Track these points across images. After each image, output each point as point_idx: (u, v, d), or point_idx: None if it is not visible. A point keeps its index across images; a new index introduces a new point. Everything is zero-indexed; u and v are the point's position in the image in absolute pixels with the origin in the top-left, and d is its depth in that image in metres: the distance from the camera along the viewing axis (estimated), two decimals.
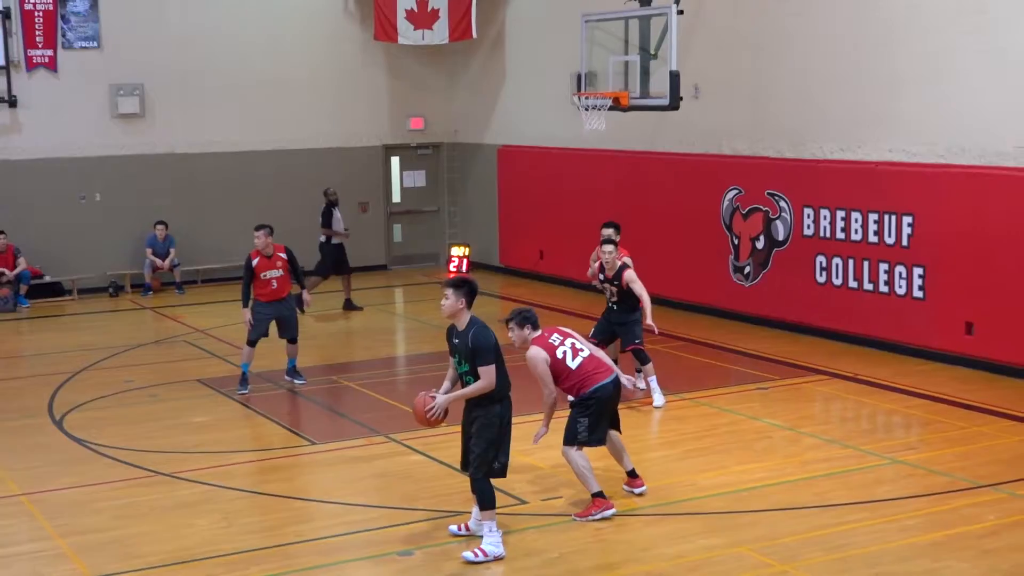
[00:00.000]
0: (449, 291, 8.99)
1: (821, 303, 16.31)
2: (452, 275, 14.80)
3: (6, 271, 20.27)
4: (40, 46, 20.93)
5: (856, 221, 15.72)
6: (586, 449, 9.81)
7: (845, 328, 16.06)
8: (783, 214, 16.79)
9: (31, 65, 20.94)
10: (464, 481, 9.42)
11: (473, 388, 8.93)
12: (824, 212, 16.18)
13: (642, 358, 13.25)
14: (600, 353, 10.07)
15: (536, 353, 9.65)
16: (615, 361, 12.30)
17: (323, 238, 19.54)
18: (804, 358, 15.36)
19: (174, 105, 21.90)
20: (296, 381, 14.52)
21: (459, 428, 9.29)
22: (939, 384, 13.89)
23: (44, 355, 16.81)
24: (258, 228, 14.25)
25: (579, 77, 17.20)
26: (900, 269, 15.22)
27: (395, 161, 24.28)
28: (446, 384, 9.28)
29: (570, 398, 9.91)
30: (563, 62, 19.83)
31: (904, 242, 15.15)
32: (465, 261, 22.77)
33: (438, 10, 22.15)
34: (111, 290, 21.50)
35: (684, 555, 8.99)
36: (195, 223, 22.07)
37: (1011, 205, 13.90)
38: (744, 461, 11.26)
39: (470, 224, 24.22)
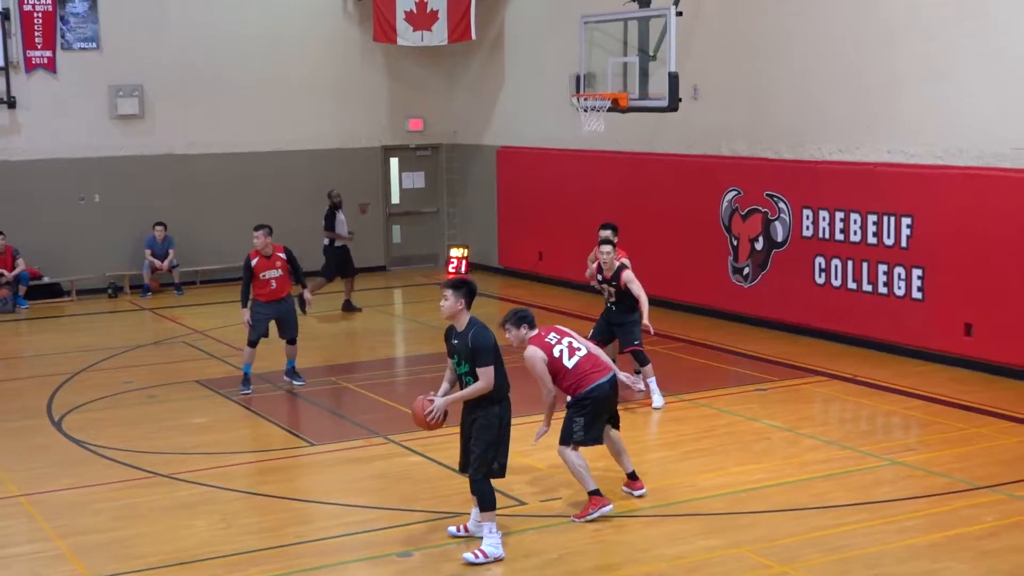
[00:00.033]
0: (448, 292, 8.99)
1: (820, 304, 16.31)
2: (451, 276, 14.78)
3: (5, 272, 20.25)
4: (39, 47, 20.92)
5: (855, 222, 15.73)
6: (584, 448, 9.81)
7: (844, 329, 16.06)
8: (782, 215, 16.79)
9: (30, 66, 20.93)
10: (463, 482, 9.41)
11: (472, 389, 8.93)
12: (823, 213, 16.19)
13: (641, 359, 13.24)
14: (598, 351, 10.06)
15: (533, 352, 9.65)
16: (613, 361, 12.28)
17: (327, 241, 19.50)
18: (803, 359, 15.36)
19: (173, 106, 21.89)
20: (295, 382, 14.51)
21: (458, 430, 9.28)
22: (938, 385, 13.89)
23: (43, 356, 16.80)
24: (257, 228, 14.25)
25: (578, 78, 17.19)
26: (899, 270, 15.22)
27: (394, 162, 24.28)
28: (444, 385, 9.27)
29: (567, 398, 9.91)
30: (562, 63, 19.83)
31: (903, 243, 15.15)
32: (464, 262, 22.74)
33: (437, 11, 22.15)
34: (110, 291, 21.48)
35: (683, 556, 8.99)
36: (194, 224, 22.06)
37: (1010, 206, 13.90)
38: (743, 462, 11.26)
39: (469, 225, 24.22)
